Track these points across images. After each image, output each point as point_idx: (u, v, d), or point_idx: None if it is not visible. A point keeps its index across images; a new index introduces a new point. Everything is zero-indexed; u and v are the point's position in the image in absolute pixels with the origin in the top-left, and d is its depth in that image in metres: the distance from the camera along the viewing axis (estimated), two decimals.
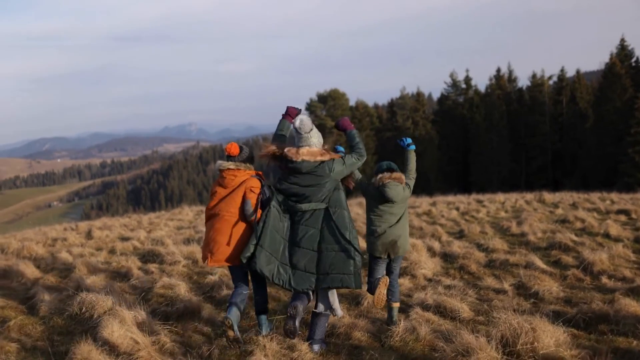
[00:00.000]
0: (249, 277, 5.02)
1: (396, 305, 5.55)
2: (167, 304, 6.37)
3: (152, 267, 8.84)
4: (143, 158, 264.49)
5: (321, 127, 58.49)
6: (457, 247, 9.70)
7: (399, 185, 5.35)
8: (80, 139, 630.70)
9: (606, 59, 51.43)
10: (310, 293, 4.85)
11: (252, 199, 4.79)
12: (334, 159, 4.82)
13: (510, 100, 57.42)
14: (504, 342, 4.47)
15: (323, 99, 62.70)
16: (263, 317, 5.06)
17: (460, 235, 11.91)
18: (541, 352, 4.39)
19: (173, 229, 14.82)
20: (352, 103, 63.56)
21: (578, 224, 12.18)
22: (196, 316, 5.93)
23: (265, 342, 4.70)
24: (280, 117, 5.19)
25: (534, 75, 57.43)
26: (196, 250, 9.61)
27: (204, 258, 4.82)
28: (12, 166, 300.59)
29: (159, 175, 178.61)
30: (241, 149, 4.98)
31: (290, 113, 5.12)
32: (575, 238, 10.06)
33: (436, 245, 9.68)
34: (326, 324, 4.93)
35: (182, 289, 6.82)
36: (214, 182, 5.03)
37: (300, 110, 5.16)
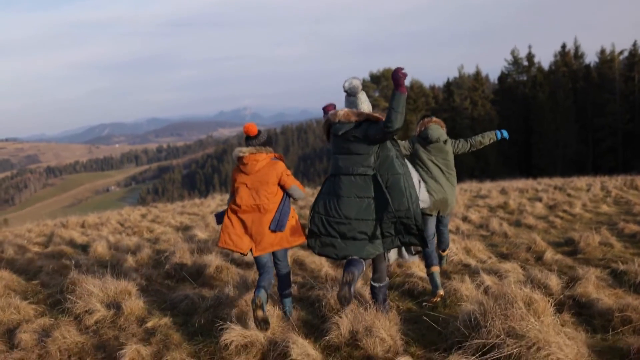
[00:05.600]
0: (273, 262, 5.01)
1: (436, 269, 5.41)
2: None
3: (25, 337, 4.76)
4: (198, 142, 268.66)
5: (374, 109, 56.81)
6: (595, 286, 5.57)
7: (439, 128, 5.56)
8: (138, 124, 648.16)
9: None
10: (364, 262, 4.49)
11: (296, 183, 4.81)
12: (368, 120, 4.41)
13: (576, 78, 54.05)
14: None
15: (376, 79, 60.68)
16: (287, 301, 5.02)
17: (572, 249, 8.04)
18: None
19: (169, 229, 12.40)
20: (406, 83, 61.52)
21: None
22: None
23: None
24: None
25: (602, 51, 53.91)
26: (133, 289, 5.76)
27: (243, 249, 4.78)
28: (73, 152, 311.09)
29: (213, 159, 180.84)
30: (259, 131, 4.88)
31: (328, 109, 4.89)
32: None
33: (553, 284, 5.60)
34: (386, 292, 4.78)
35: None
36: (234, 170, 4.93)
37: (335, 105, 4.94)
